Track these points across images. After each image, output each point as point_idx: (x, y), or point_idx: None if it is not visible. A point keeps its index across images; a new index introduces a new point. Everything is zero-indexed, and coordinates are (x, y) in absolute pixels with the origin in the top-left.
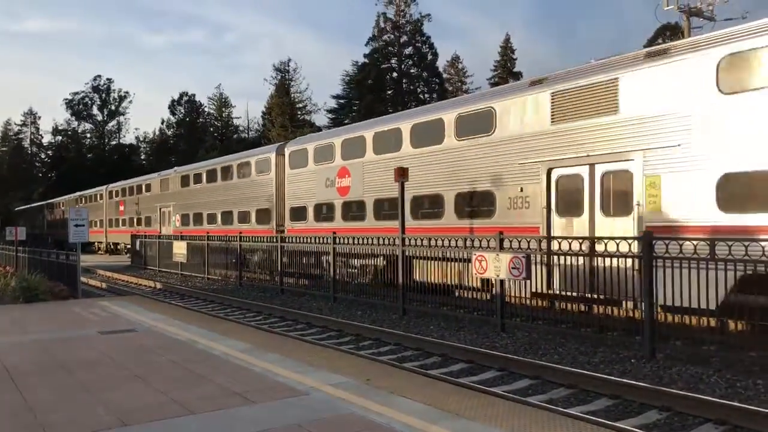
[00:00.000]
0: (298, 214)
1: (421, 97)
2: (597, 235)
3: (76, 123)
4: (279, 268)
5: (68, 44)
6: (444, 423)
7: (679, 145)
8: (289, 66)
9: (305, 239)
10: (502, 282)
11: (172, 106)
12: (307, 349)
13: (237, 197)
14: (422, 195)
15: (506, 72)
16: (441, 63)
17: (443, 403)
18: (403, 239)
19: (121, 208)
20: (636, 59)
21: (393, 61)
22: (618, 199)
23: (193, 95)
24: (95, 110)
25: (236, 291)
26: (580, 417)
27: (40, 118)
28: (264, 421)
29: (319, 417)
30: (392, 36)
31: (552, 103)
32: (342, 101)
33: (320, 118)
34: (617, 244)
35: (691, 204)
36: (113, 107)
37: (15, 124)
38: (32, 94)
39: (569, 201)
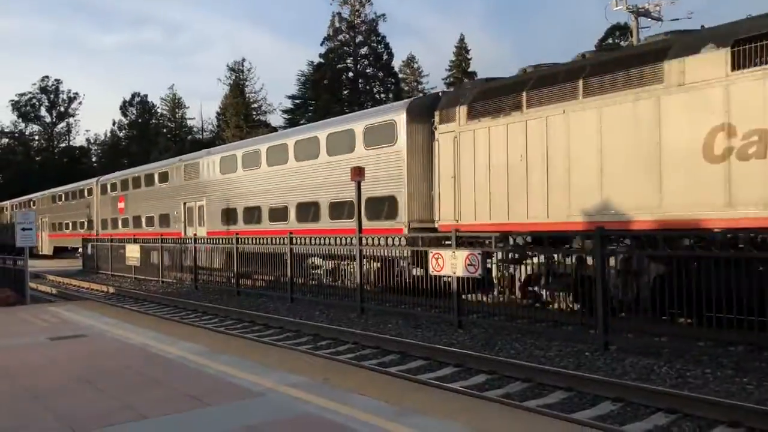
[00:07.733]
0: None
1: (377, 97)
2: None
3: (23, 125)
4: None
5: (11, 43)
6: (402, 420)
7: None
8: (243, 66)
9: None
10: (458, 279)
11: (124, 107)
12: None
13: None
14: None
15: (461, 72)
16: (397, 63)
17: (401, 399)
18: (360, 239)
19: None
20: None
21: (348, 61)
22: None
23: (146, 96)
24: (43, 112)
25: None
26: (534, 410)
27: None
28: (220, 423)
29: (276, 418)
30: (347, 36)
31: None
32: (297, 101)
33: (275, 119)
34: (572, 240)
35: None
36: (62, 109)
37: None
38: None
39: None
